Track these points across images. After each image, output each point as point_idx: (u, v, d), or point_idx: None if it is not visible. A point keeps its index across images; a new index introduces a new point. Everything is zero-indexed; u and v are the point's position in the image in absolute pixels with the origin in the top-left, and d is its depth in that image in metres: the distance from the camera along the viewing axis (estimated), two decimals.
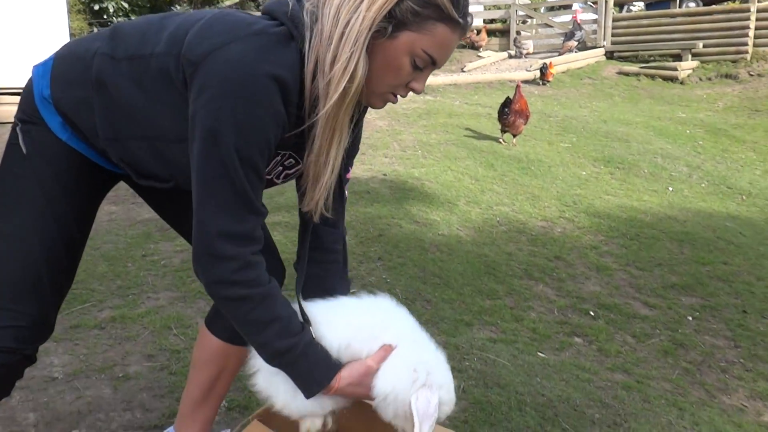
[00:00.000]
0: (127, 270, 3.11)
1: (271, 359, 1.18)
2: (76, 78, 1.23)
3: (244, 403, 2.02)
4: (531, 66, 11.17)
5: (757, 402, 2.63)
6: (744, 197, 5.83)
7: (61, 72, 1.25)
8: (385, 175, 4.89)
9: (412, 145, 5.98)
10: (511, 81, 10.15)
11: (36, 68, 1.28)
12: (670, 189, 5.64)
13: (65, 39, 6.65)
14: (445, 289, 3.15)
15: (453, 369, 2.39)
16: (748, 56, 10.99)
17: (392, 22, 1.09)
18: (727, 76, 10.86)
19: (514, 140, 6.42)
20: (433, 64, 1.15)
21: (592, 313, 3.20)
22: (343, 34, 1.07)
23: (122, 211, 4.15)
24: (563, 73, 11.11)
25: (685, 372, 2.78)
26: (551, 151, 6.38)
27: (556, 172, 5.65)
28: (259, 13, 1.18)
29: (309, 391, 1.19)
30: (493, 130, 6.69)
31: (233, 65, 1.06)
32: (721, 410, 2.49)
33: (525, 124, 6.30)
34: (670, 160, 6.54)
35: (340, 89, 1.09)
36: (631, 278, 3.70)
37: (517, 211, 4.56)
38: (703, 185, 5.95)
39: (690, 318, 3.29)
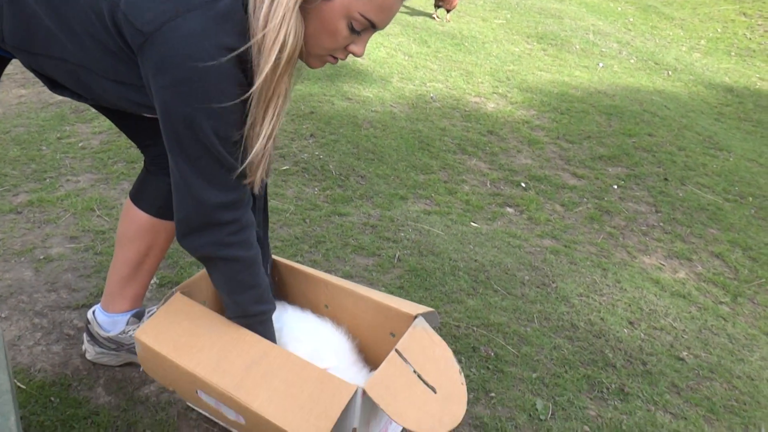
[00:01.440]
0: (41, 153, 2.91)
1: (238, 317, 1.26)
2: None
3: (175, 279, 1.98)
4: None
5: (673, 260, 2.79)
6: (670, 72, 5.94)
7: None
8: None
9: None
10: None
11: None
12: (601, 65, 5.67)
13: None
14: (379, 164, 3.11)
15: (389, 240, 2.42)
16: None
17: None
18: None
19: (448, 16, 6.24)
20: (373, 27, 1.05)
21: (523, 185, 3.26)
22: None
23: (32, 93, 3.85)
24: None
25: (609, 236, 2.90)
26: (485, 27, 6.25)
27: (490, 49, 5.56)
28: None
29: None
30: (427, 5, 6.47)
31: (195, 43, 0.95)
32: (641, 269, 2.63)
33: None
34: (601, 37, 6.54)
35: (271, 61, 1.00)
36: (561, 151, 3.76)
37: (451, 87, 4.49)
38: (632, 61, 6.01)
39: (615, 186, 3.40)
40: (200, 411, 1.48)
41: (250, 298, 1.23)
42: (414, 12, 6.37)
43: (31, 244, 2.11)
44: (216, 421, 1.45)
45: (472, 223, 2.77)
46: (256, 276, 1.22)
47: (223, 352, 1.21)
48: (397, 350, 1.21)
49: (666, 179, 3.57)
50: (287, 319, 1.43)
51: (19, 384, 1.49)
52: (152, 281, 1.95)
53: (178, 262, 2.08)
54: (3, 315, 1.74)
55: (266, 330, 1.29)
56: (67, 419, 1.42)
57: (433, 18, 6.22)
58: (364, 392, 1.11)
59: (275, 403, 1.12)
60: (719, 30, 7.69)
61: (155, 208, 1.42)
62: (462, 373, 1.24)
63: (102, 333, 1.54)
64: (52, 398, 1.47)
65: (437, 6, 6.13)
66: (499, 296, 2.14)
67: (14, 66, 4.14)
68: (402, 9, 6.34)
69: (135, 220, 1.45)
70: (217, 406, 1.24)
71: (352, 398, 1.13)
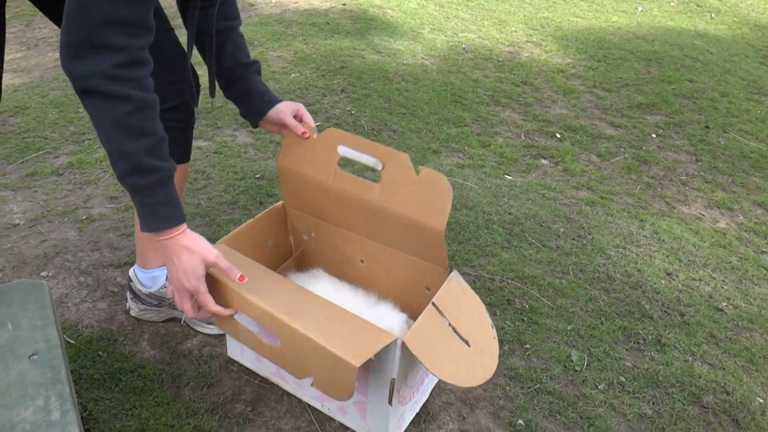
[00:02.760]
0: (79, 116, 2.96)
1: (128, 175, 1.04)
2: None
3: (213, 237, 2.02)
4: None
5: (714, 210, 2.73)
6: (713, 15, 5.69)
7: None
8: (344, 4, 4.61)
9: None
10: None
11: None
12: (640, 9, 5.47)
13: None
14: (411, 118, 3.09)
15: None
16: None
17: None
18: None
19: None
20: None
21: (558, 136, 3.20)
22: None
23: None
24: None
25: (647, 186, 2.84)
26: None
27: None
28: None
29: (150, 225, 1.09)
30: None
31: None
32: (680, 219, 2.58)
33: None
34: None
35: None
36: (597, 99, 3.67)
37: (483, 37, 4.39)
38: (672, 4, 5.77)
39: (654, 135, 3.32)
40: (238, 360, 1.52)
41: (142, 147, 1.02)
42: None
43: (74, 205, 2.17)
44: (257, 372, 1.49)
45: (506, 176, 2.74)
46: (152, 123, 1.03)
47: (268, 297, 1.21)
48: (434, 303, 1.22)
49: (707, 127, 3.46)
50: (319, 291, 1.40)
51: (68, 339, 1.55)
52: None
53: (215, 219, 2.11)
54: (50, 274, 1.80)
55: (169, 193, 1.08)
56: (115, 372, 1.48)
57: None
58: (403, 344, 1.13)
59: (315, 329, 1.14)
60: None
61: None
62: (494, 328, 1.25)
63: (143, 290, 1.58)
64: (100, 353, 1.53)
65: None
66: (533, 249, 2.13)
67: (49, 30, 4.18)
68: None
69: None
70: (251, 328, 1.24)
71: (392, 349, 1.15)
